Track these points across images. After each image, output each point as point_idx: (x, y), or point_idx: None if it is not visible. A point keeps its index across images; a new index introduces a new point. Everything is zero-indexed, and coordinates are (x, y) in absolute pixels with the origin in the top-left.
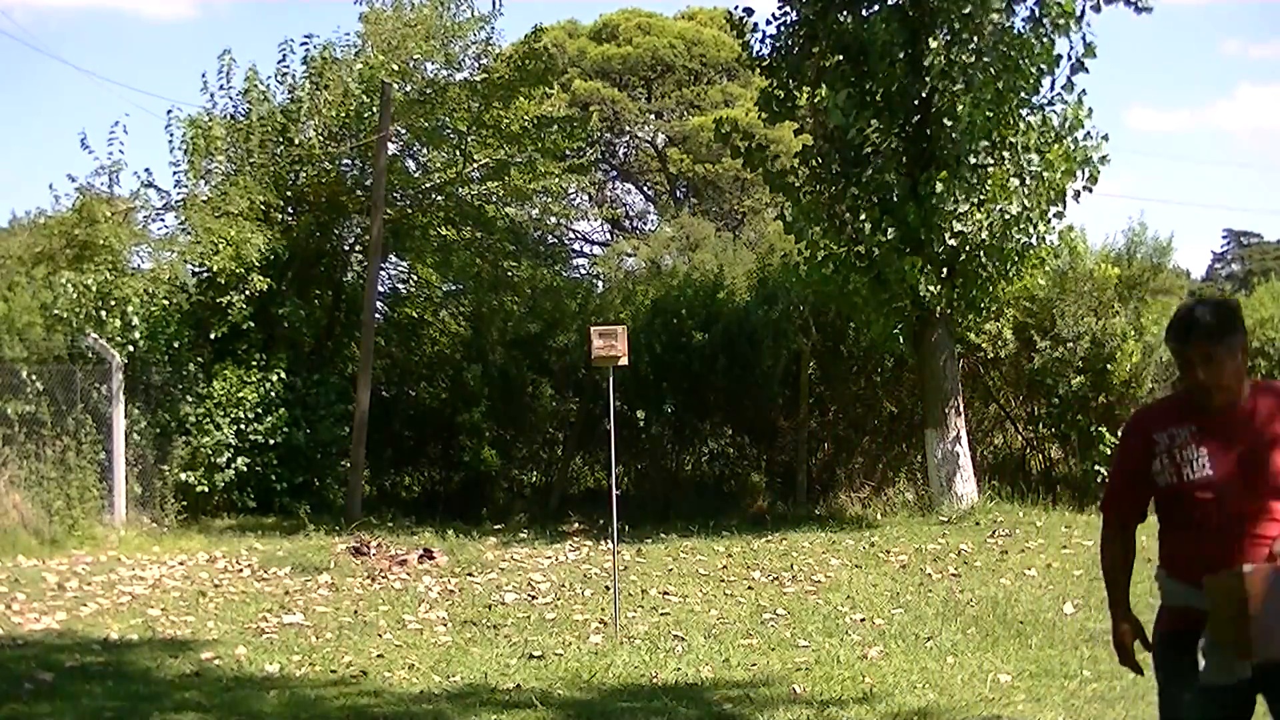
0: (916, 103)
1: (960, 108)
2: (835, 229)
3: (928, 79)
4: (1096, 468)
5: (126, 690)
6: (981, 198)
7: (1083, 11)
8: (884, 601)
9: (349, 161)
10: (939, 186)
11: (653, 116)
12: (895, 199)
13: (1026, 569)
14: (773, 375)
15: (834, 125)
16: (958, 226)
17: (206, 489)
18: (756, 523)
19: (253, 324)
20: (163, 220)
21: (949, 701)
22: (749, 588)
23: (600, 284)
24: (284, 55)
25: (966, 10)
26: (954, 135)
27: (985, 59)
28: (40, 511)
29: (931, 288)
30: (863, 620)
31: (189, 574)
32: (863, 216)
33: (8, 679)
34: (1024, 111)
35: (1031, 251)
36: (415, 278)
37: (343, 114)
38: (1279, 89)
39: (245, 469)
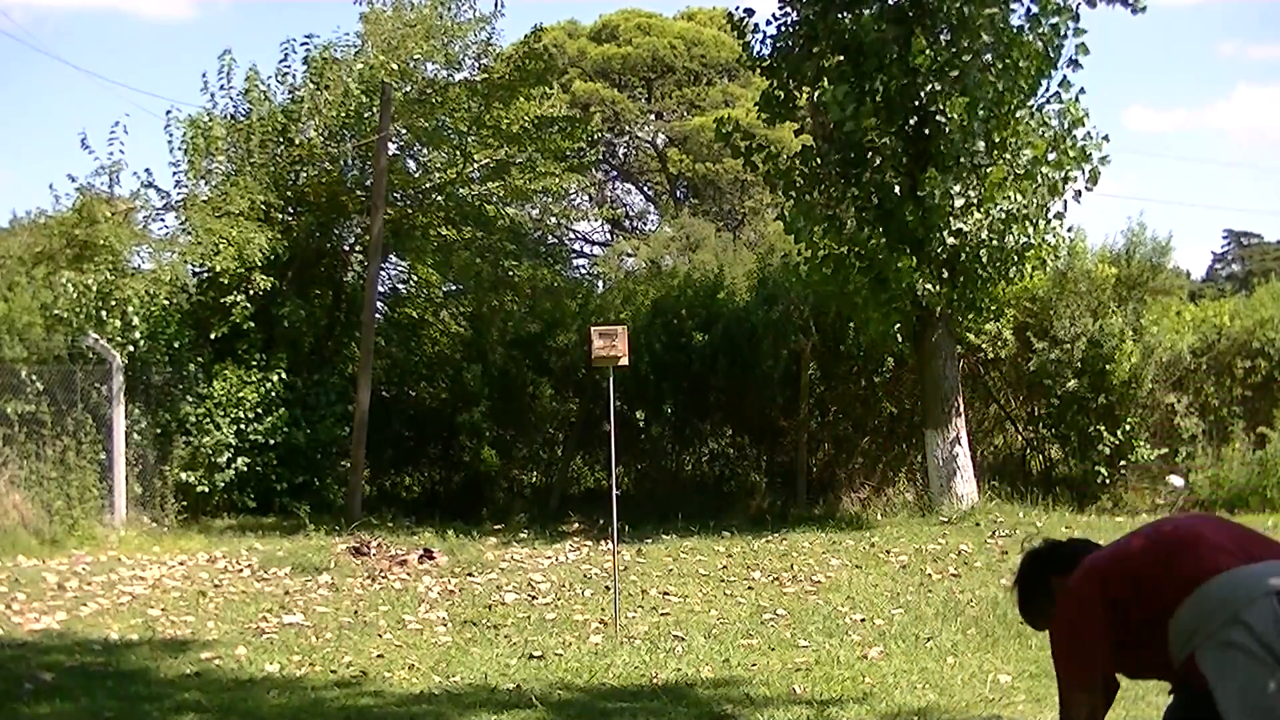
0: (915, 102)
1: (954, 107)
2: (835, 229)
3: (919, 79)
4: (1096, 468)
5: (126, 690)
6: (980, 197)
7: (1078, 7)
8: (884, 602)
9: (349, 161)
10: (937, 185)
11: (653, 117)
12: (894, 199)
13: None
14: (773, 376)
15: (833, 121)
16: (956, 225)
17: (207, 489)
18: (756, 523)
19: (253, 324)
20: (163, 220)
21: (949, 702)
22: (749, 588)
23: (600, 284)
24: (285, 55)
25: (962, 8)
26: (951, 135)
27: (984, 57)
28: (40, 511)
29: (930, 287)
30: (863, 620)
31: (189, 574)
32: (862, 216)
33: (8, 679)
34: (1021, 112)
35: (1031, 251)
36: (415, 278)
37: (343, 114)
38: (1277, 90)
39: (245, 469)
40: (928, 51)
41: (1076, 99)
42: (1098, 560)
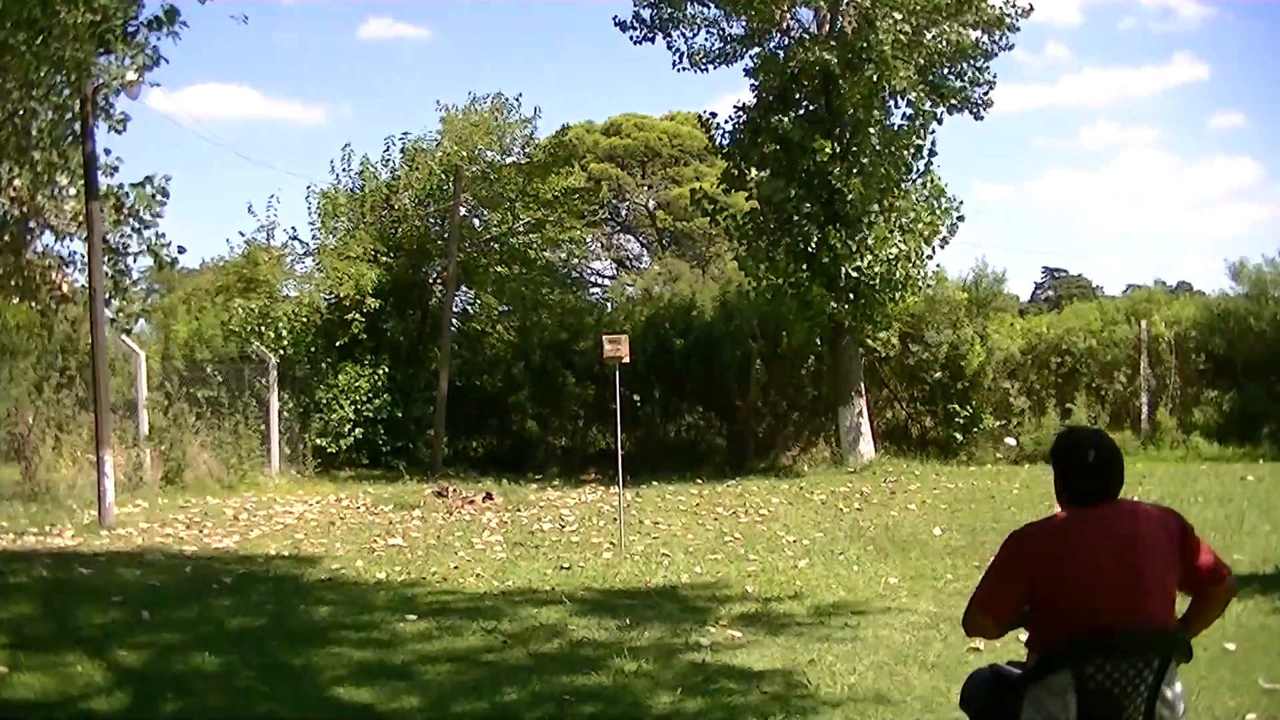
0: (828, 179)
1: (853, 186)
2: (774, 268)
3: (828, 164)
4: (955, 434)
5: (280, 590)
6: (873, 245)
7: (940, 117)
8: (809, 527)
9: (432, 220)
10: (842, 239)
11: (646, 187)
12: (813, 247)
13: (909, 504)
14: (731, 369)
15: (765, 196)
16: (856, 264)
17: (334, 450)
18: (719, 473)
19: (365, 335)
20: (304, 262)
21: (854, 597)
22: (714, 519)
23: (609, 305)
24: (387, 147)
25: (859, 115)
26: (853, 203)
27: (875, 145)
28: (221, 465)
29: (838, 308)
30: (794, 541)
31: (323, 510)
32: (791, 259)
33: (202, 580)
34: (905, 184)
35: (910, 282)
36: (479, 302)
37: (428, 187)
38: (1074, 173)
39: (361, 436)
40: (828, 150)
41: (938, 177)
42: (1066, 527)
